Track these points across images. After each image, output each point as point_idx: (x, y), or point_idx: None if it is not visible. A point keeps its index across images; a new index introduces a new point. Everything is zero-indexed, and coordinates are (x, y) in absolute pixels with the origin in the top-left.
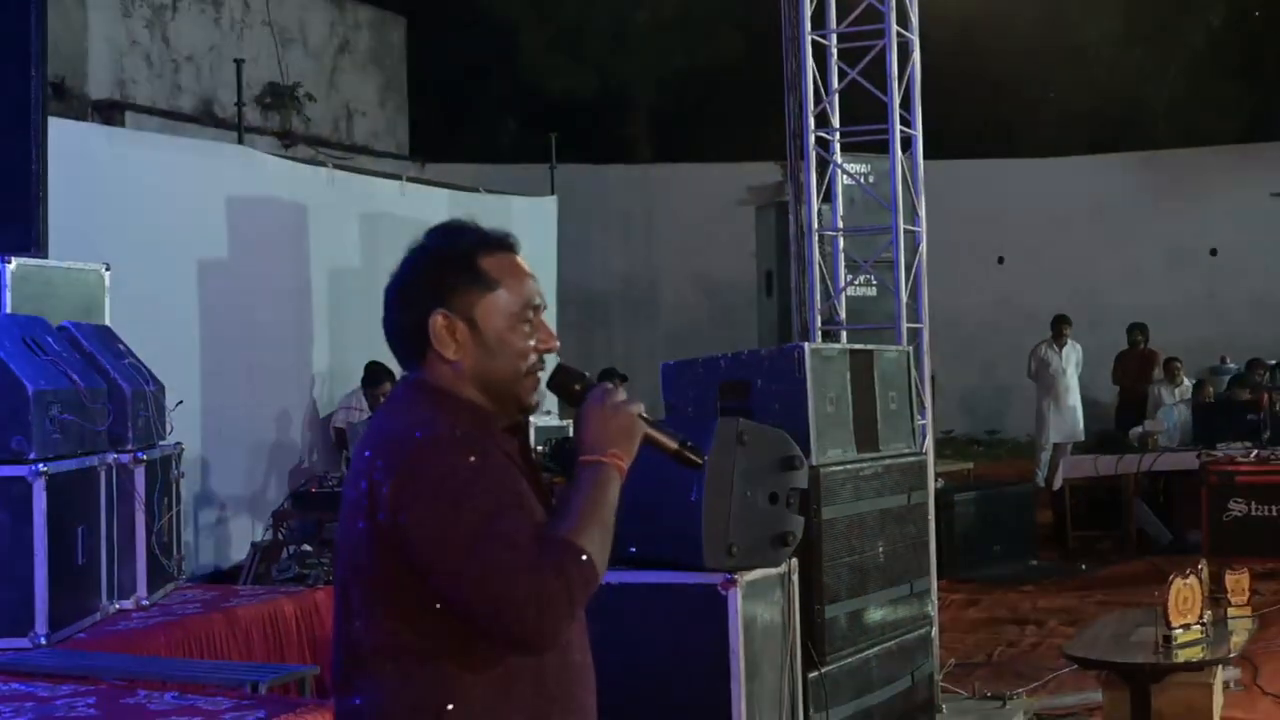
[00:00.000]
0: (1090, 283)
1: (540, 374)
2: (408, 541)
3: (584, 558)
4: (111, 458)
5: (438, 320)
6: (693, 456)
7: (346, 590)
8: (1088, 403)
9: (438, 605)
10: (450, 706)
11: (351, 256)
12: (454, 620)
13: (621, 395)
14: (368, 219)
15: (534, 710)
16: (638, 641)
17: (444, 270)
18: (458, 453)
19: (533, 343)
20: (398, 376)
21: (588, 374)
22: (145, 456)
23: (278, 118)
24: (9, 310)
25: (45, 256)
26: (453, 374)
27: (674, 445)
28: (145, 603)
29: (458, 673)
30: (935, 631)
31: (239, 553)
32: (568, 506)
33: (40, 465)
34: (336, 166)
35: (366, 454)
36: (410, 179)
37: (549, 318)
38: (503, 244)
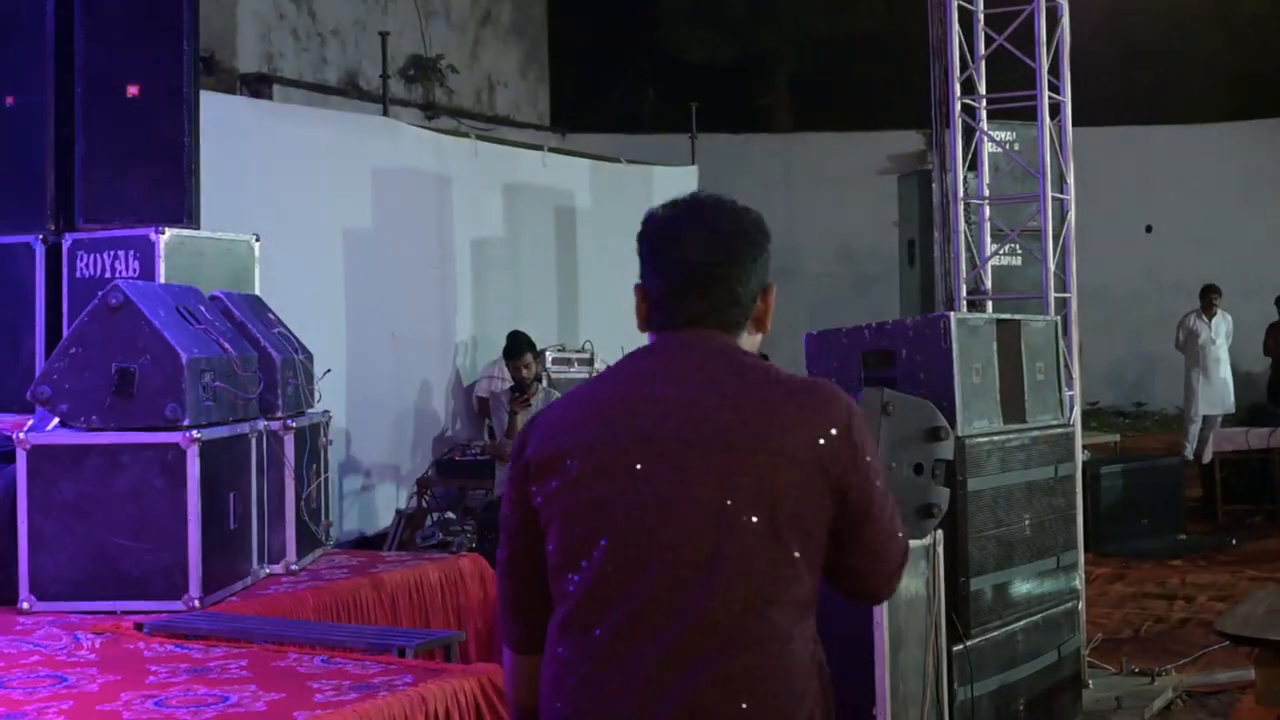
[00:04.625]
0: (1241, 252)
1: None
2: (852, 493)
3: None
4: (262, 425)
5: (773, 292)
6: None
7: (738, 542)
8: (1239, 375)
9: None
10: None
11: (494, 227)
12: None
13: None
14: (510, 189)
15: None
16: None
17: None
18: None
19: None
20: (539, 347)
21: None
22: (294, 424)
23: (421, 90)
24: (163, 280)
25: (197, 227)
26: (754, 345)
27: None
28: (294, 567)
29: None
30: (1082, 606)
31: (384, 519)
32: None
33: (194, 432)
34: (479, 138)
35: (786, 408)
36: (551, 149)
37: None
38: None
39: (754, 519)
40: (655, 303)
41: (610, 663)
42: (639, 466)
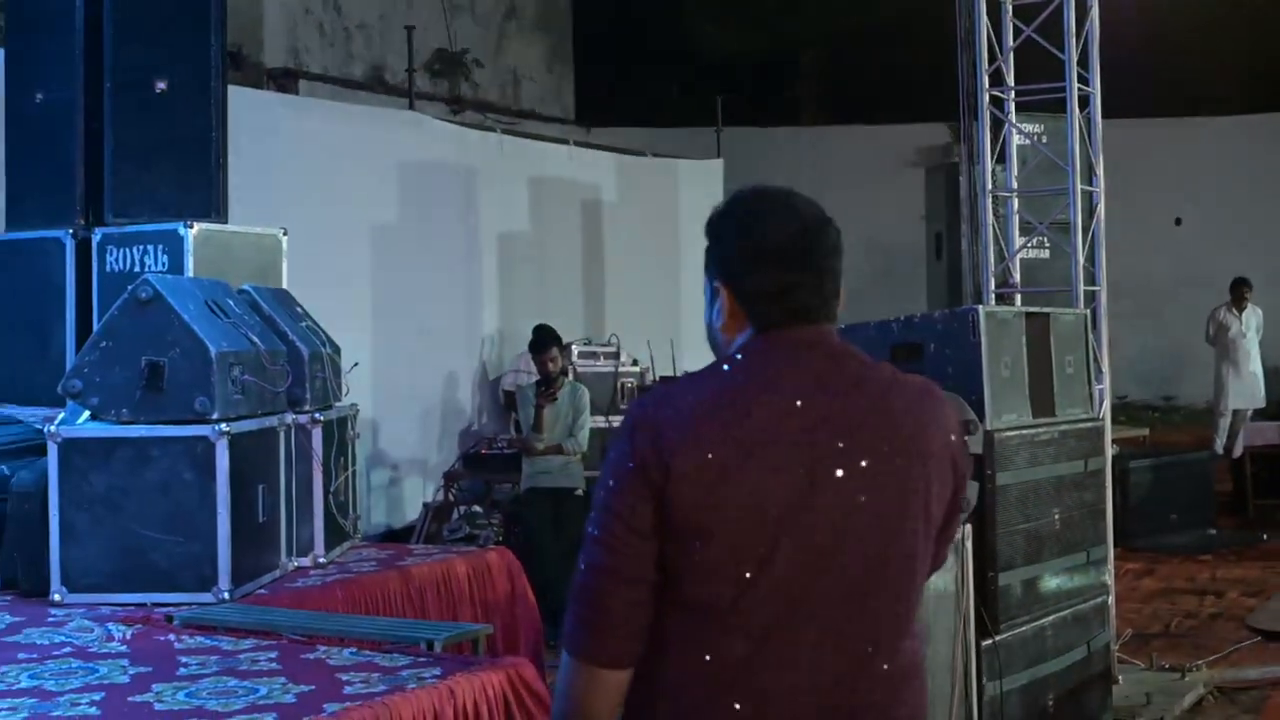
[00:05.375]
0: (1272, 244)
1: None
2: (963, 490)
3: None
4: (290, 418)
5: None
6: None
7: (904, 541)
8: (1269, 368)
9: None
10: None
11: (520, 220)
12: None
13: None
14: (536, 183)
15: None
16: None
17: None
18: None
19: None
20: (565, 341)
21: None
22: (322, 417)
23: (446, 84)
24: (192, 274)
25: (225, 221)
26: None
27: None
28: (323, 560)
29: None
30: (1111, 601)
31: (411, 513)
32: None
33: (222, 425)
34: (504, 132)
35: (924, 405)
36: (577, 143)
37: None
38: None
39: (918, 520)
40: (762, 298)
41: (787, 668)
42: (801, 471)
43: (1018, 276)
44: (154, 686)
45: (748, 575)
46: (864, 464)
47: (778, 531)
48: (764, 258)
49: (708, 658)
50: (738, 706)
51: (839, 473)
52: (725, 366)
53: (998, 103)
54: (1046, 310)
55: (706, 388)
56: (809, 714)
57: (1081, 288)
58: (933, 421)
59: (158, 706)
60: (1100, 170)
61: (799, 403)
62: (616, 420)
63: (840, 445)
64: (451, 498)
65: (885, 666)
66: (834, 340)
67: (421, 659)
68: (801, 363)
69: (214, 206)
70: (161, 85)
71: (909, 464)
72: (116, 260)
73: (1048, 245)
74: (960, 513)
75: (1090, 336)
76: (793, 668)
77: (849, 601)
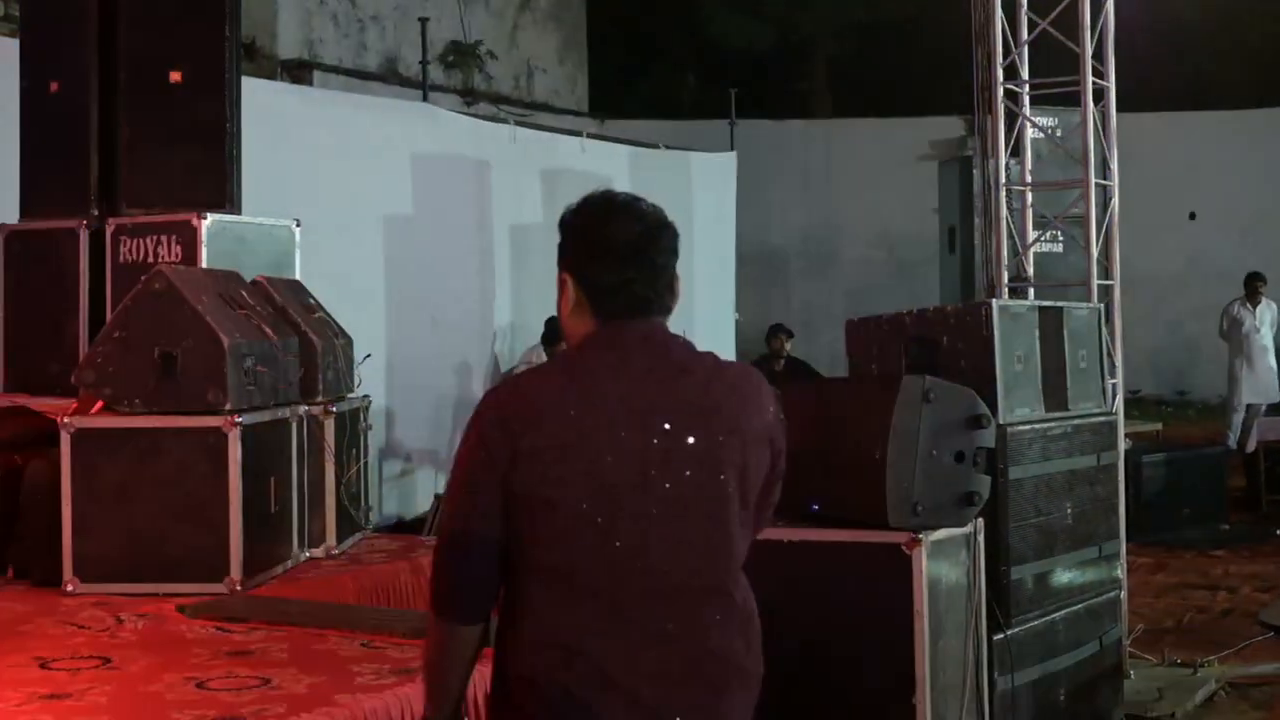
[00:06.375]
0: None
1: None
2: (780, 460)
3: None
4: (303, 409)
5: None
6: None
7: (725, 508)
8: None
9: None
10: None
11: (533, 212)
12: None
13: None
14: (549, 175)
15: None
16: (819, 599)
17: None
18: None
19: None
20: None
21: None
22: (335, 409)
23: (460, 76)
24: (205, 265)
25: (239, 212)
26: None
27: None
28: (335, 551)
29: None
30: (1124, 596)
31: (422, 504)
32: None
33: (235, 416)
34: (517, 123)
35: (743, 389)
36: (590, 135)
37: (728, 273)
38: None
39: (736, 490)
40: (603, 290)
41: (631, 625)
42: (635, 449)
43: (1031, 270)
44: (165, 676)
45: (590, 542)
46: (690, 441)
47: (615, 503)
48: (607, 254)
49: (560, 619)
50: (584, 661)
51: (668, 449)
52: (568, 358)
53: (1012, 96)
54: (1060, 304)
55: (551, 377)
56: (650, 662)
57: (1095, 282)
58: (750, 402)
59: (169, 696)
60: (1115, 164)
61: (633, 388)
62: None
63: (667, 426)
64: None
65: (718, 616)
66: (664, 332)
67: None
68: (635, 352)
69: (227, 197)
70: (176, 76)
71: (729, 440)
72: (130, 251)
73: (1061, 239)
74: (778, 481)
75: (1103, 330)
76: (635, 623)
77: (680, 562)
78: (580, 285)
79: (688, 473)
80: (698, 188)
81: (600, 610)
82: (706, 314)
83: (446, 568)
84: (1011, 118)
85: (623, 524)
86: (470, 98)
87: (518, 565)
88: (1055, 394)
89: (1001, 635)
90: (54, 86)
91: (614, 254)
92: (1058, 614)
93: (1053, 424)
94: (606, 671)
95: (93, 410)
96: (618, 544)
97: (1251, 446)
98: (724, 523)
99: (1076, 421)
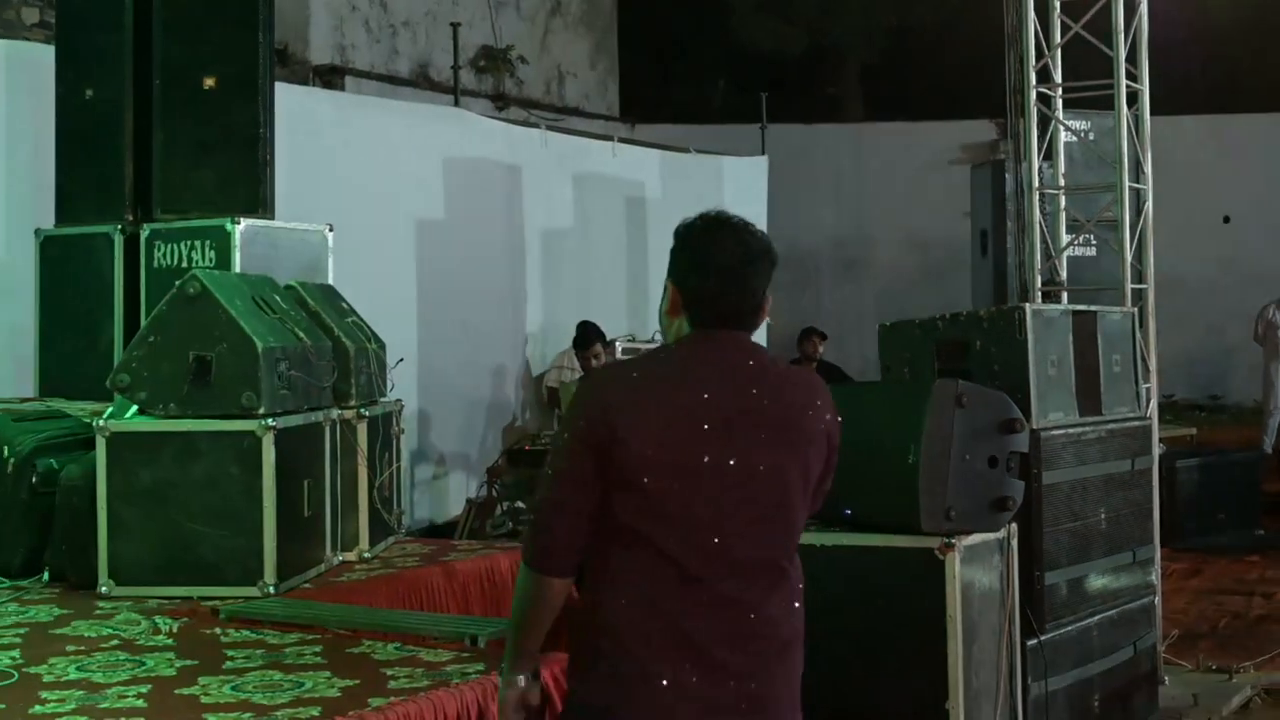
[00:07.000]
0: None
1: None
2: (834, 456)
3: None
4: (336, 413)
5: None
6: None
7: (790, 495)
8: None
9: None
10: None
11: (564, 217)
12: None
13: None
14: (580, 180)
15: None
16: (853, 604)
17: None
18: None
19: None
20: (608, 337)
21: None
22: (368, 413)
23: (491, 80)
24: (239, 269)
25: (272, 217)
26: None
27: None
28: (367, 555)
29: None
30: (1158, 601)
31: (454, 508)
32: None
33: (269, 420)
34: (548, 128)
35: (809, 392)
36: (621, 140)
37: None
38: None
39: (800, 479)
40: (699, 301)
41: (702, 590)
42: (716, 440)
43: (1064, 274)
44: (200, 679)
45: (671, 518)
46: (762, 436)
47: (694, 485)
48: (707, 271)
49: (643, 581)
50: (664, 618)
51: (744, 443)
52: (665, 354)
53: (1045, 99)
54: (1093, 309)
55: (649, 368)
56: (720, 624)
57: (1129, 286)
58: (813, 405)
59: (204, 699)
60: (1148, 167)
61: (717, 386)
62: None
63: (744, 421)
64: (495, 493)
65: (776, 589)
66: (748, 342)
67: (465, 654)
68: (720, 357)
69: (261, 202)
70: (209, 82)
71: (796, 438)
72: (164, 256)
73: (1094, 243)
74: (831, 473)
75: (1137, 334)
76: (706, 589)
77: (748, 540)
78: (681, 292)
79: (759, 465)
80: (729, 192)
81: (678, 576)
82: None
83: (545, 526)
84: (1044, 121)
85: (699, 504)
86: (501, 102)
87: (606, 530)
88: (1089, 398)
89: (1035, 640)
90: (89, 93)
91: (713, 271)
92: (1092, 619)
93: (1086, 428)
94: (683, 628)
95: (127, 414)
96: (694, 521)
97: None
98: (788, 509)
99: (1110, 426)
